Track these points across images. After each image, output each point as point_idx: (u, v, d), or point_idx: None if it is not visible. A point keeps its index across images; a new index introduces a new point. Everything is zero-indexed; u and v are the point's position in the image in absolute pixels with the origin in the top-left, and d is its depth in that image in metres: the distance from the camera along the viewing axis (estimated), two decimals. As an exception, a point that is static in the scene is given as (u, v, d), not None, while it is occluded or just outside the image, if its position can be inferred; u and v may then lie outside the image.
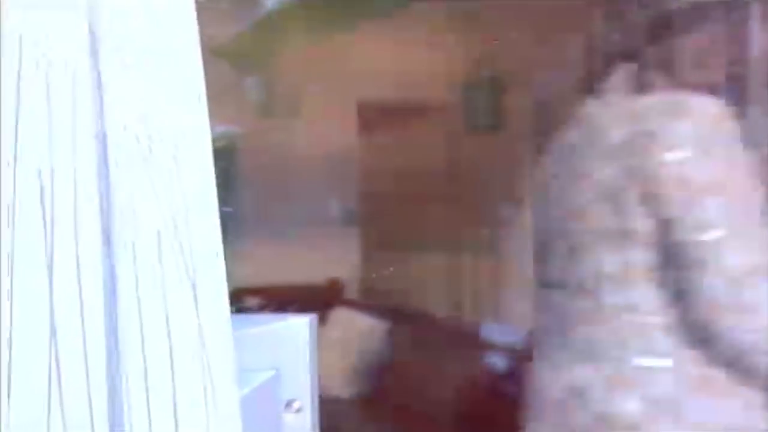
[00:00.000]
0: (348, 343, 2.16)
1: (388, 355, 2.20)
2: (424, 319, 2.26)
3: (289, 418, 0.54)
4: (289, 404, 0.54)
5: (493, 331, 2.11)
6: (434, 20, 2.01)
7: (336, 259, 2.28)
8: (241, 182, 2.22)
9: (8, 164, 0.35)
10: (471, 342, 2.12)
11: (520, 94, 2.11)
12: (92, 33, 0.40)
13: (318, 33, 2.10)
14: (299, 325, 0.55)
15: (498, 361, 1.97)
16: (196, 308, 0.42)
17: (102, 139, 0.40)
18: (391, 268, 2.22)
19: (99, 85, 0.41)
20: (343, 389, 2.11)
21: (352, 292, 2.34)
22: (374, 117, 2.25)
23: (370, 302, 2.29)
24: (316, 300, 2.22)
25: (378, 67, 2.04)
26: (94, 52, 0.41)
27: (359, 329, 2.23)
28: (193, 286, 0.42)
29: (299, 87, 2.25)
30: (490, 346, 2.06)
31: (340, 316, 2.20)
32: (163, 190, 0.42)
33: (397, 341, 2.22)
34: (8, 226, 0.35)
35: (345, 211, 2.37)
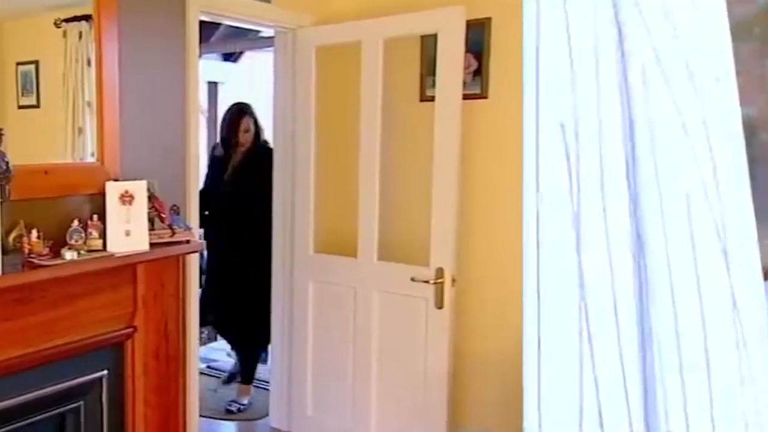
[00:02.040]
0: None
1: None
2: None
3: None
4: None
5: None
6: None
7: None
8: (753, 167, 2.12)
9: (531, 117, 0.35)
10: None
11: None
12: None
13: None
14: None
15: None
16: (728, 272, 0.42)
17: (626, 95, 0.41)
18: None
19: (620, 38, 0.42)
20: None
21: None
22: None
23: None
24: None
25: None
26: (615, 4, 0.41)
27: None
28: (724, 251, 0.42)
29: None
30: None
31: None
32: (691, 156, 0.43)
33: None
34: (534, 182, 0.36)
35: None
